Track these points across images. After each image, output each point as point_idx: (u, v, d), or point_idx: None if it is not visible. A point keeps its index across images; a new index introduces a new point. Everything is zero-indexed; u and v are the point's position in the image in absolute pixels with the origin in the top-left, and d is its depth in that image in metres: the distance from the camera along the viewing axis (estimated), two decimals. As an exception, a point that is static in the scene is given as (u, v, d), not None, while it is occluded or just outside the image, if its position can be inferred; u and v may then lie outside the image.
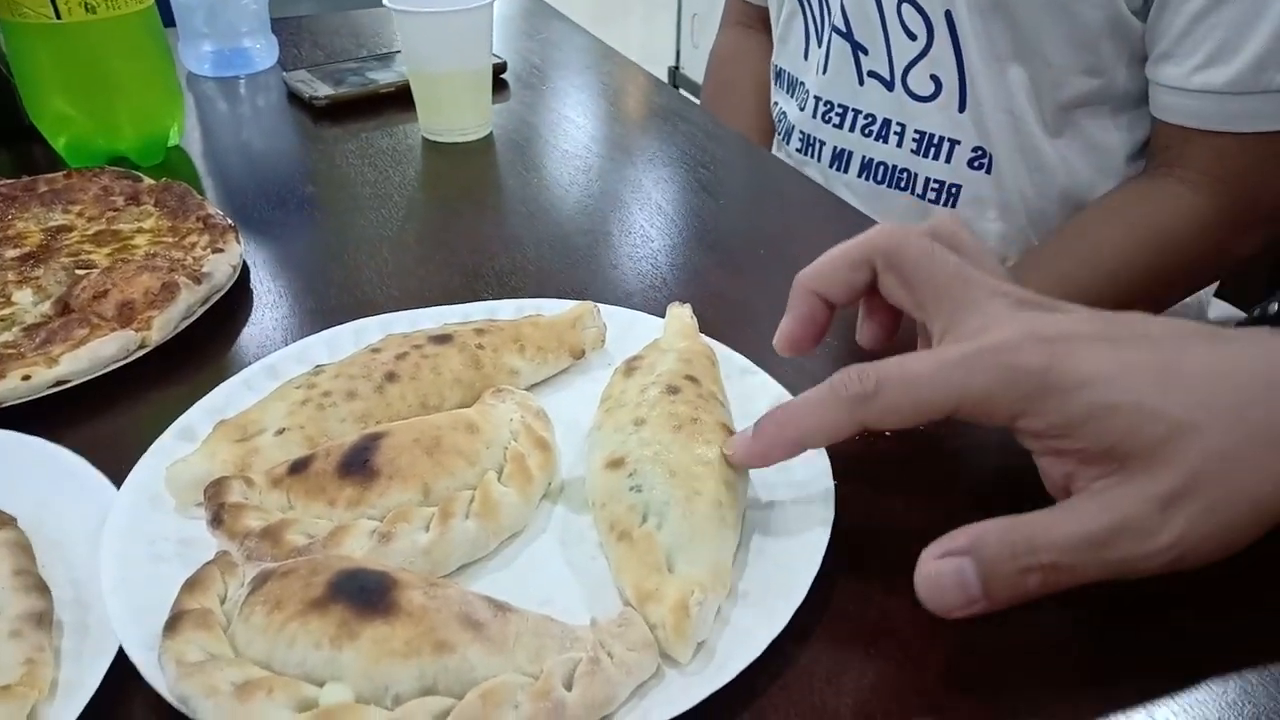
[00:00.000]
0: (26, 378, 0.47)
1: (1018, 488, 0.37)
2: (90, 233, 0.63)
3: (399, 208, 0.72)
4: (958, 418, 0.35)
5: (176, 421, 0.45)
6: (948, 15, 0.78)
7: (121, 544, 0.38)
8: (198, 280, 0.55)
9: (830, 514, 0.39)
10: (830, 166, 0.92)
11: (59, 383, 0.48)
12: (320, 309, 0.58)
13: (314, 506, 0.39)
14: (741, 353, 0.49)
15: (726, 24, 1.17)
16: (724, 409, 0.44)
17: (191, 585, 0.35)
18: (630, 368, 0.46)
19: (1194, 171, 0.74)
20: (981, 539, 0.33)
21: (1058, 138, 0.81)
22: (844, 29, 0.86)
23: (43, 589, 0.36)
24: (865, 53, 0.86)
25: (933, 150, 0.84)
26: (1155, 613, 0.37)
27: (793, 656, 0.35)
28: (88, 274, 0.57)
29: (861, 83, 0.87)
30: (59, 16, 0.67)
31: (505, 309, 0.53)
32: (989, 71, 0.79)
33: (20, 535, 0.39)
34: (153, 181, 0.68)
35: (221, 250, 0.59)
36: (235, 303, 0.58)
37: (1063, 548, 0.32)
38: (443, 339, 0.48)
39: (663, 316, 0.50)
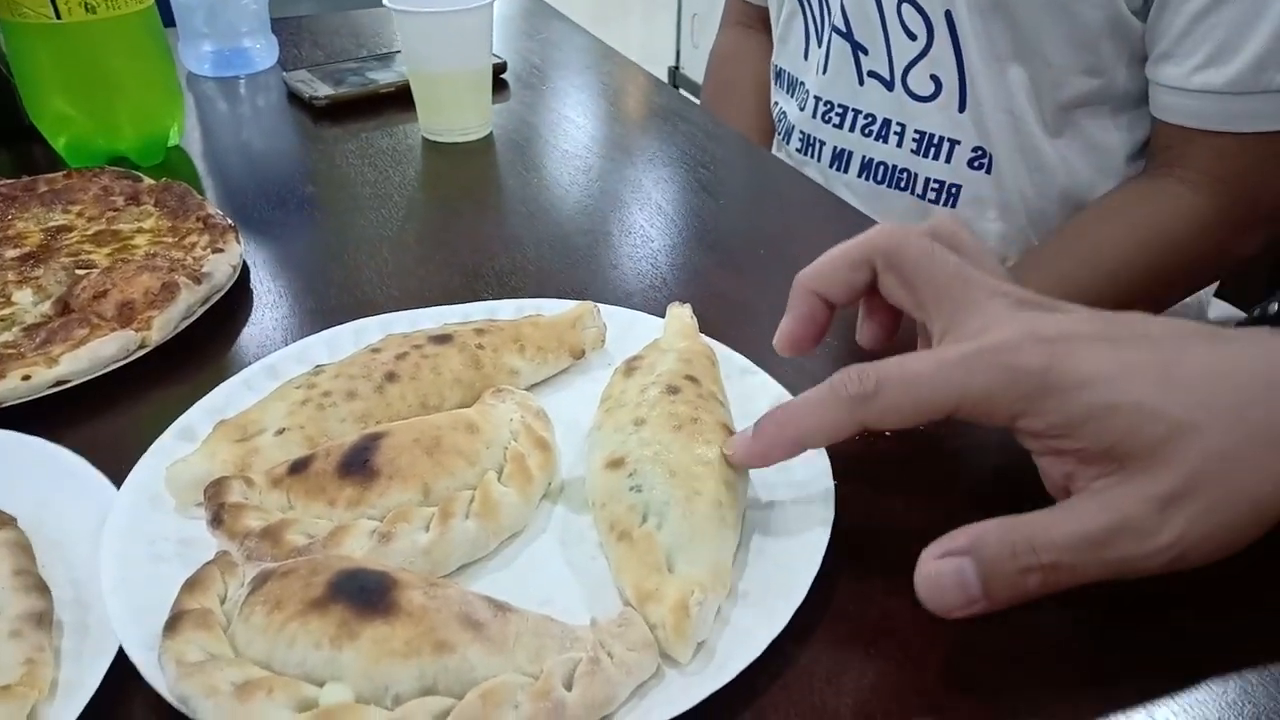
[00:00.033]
0: (26, 378, 0.47)
1: (1018, 488, 0.37)
2: (90, 233, 0.63)
3: (399, 208, 0.72)
4: (958, 418, 0.35)
5: (176, 421, 0.45)
6: (948, 15, 0.78)
7: (121, 544, 0.38)
8: (198, 280, 0.55)
9: (830, 514, 0.39)
10: (830, 166, 0.92)
11: (59, 383, 0.48)
12: (320, 309, 0.58)
13: (314, 506, 0.39)
14: (741, 353, 0.49)
15: (726, 24, 1.17)
16: (724, 409, 0.44)
17: (191, 585, 0.35)
18: (630, 368, 0.46)
19: (1194, 171, 0.74)
20: (981, 539, 0.33)
21: (1058, 138, 0.81)
22: (844, 29, 0.86)
23: (43, 589, 0.36)
24: (865, 53, 0.86)
25: (933, 150, 0.84)
26: (1155, 613, 0.37)
27: (793, 656, 0.35)
28: (88, 274, 0.57)
29: (861, 83, 0.87)
30: (59, 16, 0.67)
31: (505, 309, 0.53)
32: (989, 71, 0.79)
33: (20, 535, 0.39)
34: (153, 181, 0.68)
35: (221, 250, 0.59)
36: (235, 303, 0.58)
37: (1063, 547, 0.32)
38: (443, 339, 0.48)
39: (663, 316, 0.50)
